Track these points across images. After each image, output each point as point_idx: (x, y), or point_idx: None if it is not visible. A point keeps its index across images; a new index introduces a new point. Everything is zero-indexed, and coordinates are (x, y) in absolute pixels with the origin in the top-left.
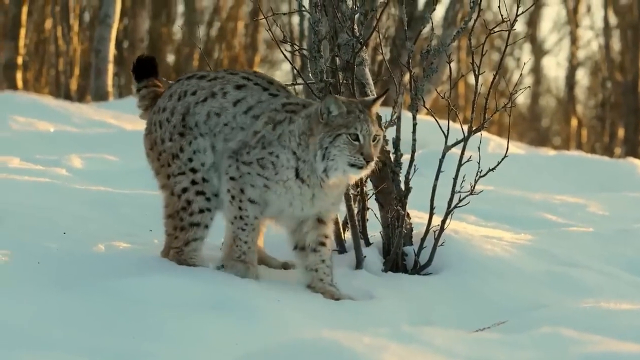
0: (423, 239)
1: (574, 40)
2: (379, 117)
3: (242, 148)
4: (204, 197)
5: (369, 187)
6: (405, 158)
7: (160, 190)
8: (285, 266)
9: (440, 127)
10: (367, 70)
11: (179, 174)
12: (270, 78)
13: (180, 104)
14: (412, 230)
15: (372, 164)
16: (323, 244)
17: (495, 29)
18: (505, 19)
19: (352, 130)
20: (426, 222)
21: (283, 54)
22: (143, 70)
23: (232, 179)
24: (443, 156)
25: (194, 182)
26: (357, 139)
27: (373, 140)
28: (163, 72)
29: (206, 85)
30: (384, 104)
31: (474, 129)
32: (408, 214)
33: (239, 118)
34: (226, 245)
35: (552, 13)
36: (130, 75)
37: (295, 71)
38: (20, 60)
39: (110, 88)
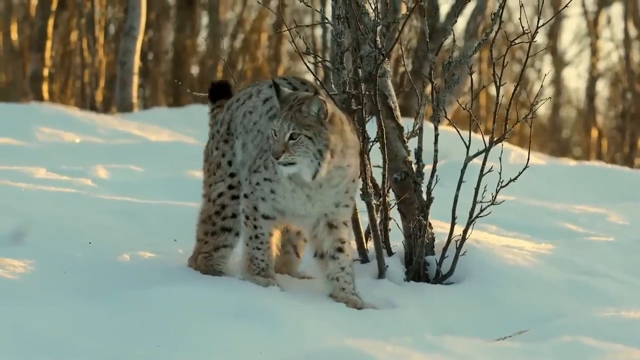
0: (445, 249)
1: (594, 52)
2: (400, 128)
3: (257, 156)
4: (238, 202)
5: (391, 197)
6: (427, 168)
7: (201, 199)
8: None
9: (461, 137)
10: (389, 82)
11: (219, 181)
12: (304, 80)
13: (228, 112)
14: (434, 240)
15: (284, 161)
16: (340, 250)
17: (517, 41)
18: (527, 31)
19: (271, 127)
20: (448, 231)
21: (306, 65)
22: (217, 93)
23: (245, 196)
24: (465, 167)
25: (230, 187)
26: (274, 135)
27: (292, 138)
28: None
29: (248, 89)
30: (406, 115)
31: (495, 139)
32: (430, 224)
33: (263, 119)
34: (243, 260)
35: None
36: (155, 87)
37: (318, 82)
38: (46, 72)
39: (135, 99)
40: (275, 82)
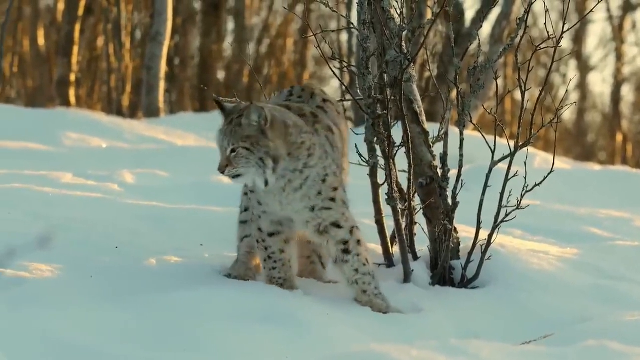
0: (470, 253)
1: (619, 57)
2: (426, 132)
3: None
4: None
5: (416, 201)
6: (453, 173)
7: None
8: None
9: (487, 142)
10: (414, 87)
11: None
12: (304, 87)
13: None
14: (459, 244)
15: (229, 174)
16: (346, 252)
17: (542, 46)
18: (552, 36)
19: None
20: (473, 236)
21: (332, 70)
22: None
23: (251, 220)
24: (490, 171)
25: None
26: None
27: (233, 151)
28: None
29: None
30: (432, 119)
31: (520, 144)
32: (455, 229)
33: None
34: (265, 282)
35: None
36: (181, 92)
37: (344, 87)
38: (73, 77)
39: (161, 104)
40: (216, 99)
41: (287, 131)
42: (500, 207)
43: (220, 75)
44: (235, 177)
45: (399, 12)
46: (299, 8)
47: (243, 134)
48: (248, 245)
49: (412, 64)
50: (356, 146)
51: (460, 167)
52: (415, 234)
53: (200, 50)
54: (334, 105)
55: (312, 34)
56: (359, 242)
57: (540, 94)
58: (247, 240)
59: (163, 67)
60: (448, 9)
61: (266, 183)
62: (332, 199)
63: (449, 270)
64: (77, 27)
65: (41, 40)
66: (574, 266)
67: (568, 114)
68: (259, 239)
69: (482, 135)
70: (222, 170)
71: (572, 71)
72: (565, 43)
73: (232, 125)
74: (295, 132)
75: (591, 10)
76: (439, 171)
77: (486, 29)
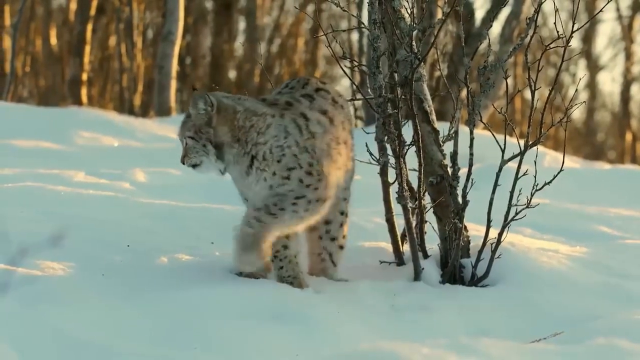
0: (480, 252)
1: (628, 56)
2: (436, 131)
3: None
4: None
5: (427, 200)
6: (463, 172)
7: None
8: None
9: (497, 141)
10: (425, 86)
11: None
12: (300, 78)
13: None
14: (469, 242)
15: (188, 164)
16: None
17: (551, 45)
18: (561, 36)
19: None
20: (483, 234)
21: (342, 69)
22: None
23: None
24: (500, 170)
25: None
26: None
27: (186, 143)
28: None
29: None
30: (442, 118)
31: (530, 143)
32: (465, 227)
33: None
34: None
35: (607, 29)
36: (192, 91)
37: (354, 87)
38: (85, 76)
39: (173, 103)
40: (195, 88)
41: (235, 116)
42: (510, 205)
43: (232, 74)
44: (193, 166)
45: (409, 11)
46: (310, 8)
47: (190, 124)
48: None
49: (422, 63)
50: (367, 145)
51: (471, 165)
52: (425, 233)
53: (212, 49)
54: (331, 94)
55: (323, 34)
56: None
57: (550, 93)
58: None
59: (174, 67)
60: (458, 8)
61: (222, 171)
62: (287, 178)
63: (459, 268)
64: (89, 27)
65: (53, 40)
66: (584, 264)
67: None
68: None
69: (492, 134)
70: (182, 161)
71: (581, 70)
72: (575, 42)
73: (185, 117)
74: (243, 117)
75: (601, 10)
76: (449, 170)
77: (496, 28)
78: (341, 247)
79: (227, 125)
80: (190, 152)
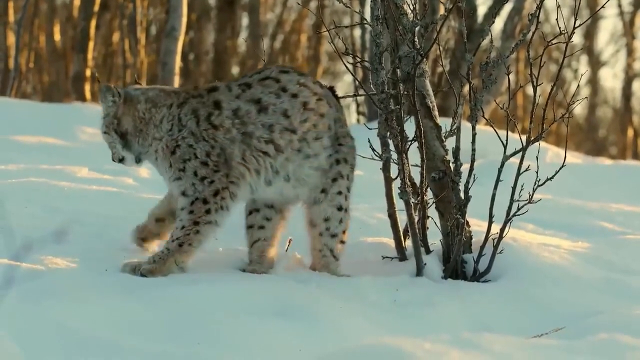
0: (482, 247)
1: (630, 52)
2: (438, 127)
3: None
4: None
5: (429, 196)
6: (465, 167)
7: None
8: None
9: (499, 137)
10: (427, 82)
11: None
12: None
13: None
14: (471, 238)
15: (114, 159)
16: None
17: (553, 41)
18: (563, 32)
19: None
20: (485, 230)
21: (345, 65)
22: None
23: None
24: (502, 166)
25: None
26: None
27: (107, 142)
28: None
29: None
30: (444, 114)
31: (532, 139)
32: (467, 222)
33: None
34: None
35: (609, 25)
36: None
37: (357, 82)
38: (88, 72)
39: None
40: (96, 77)
41: (137, 106)
42: (512, 201)
43: (235, 70)
44: (120, 161)
45: (411, 7)
46: (313, 4)
47: (103, 122)
48: (259, 249)
49: (424, 59)
50: (369, 141)
51: (473, 161)
52: (427, 228)
53: (215, 45)
54: (282, 83)
55: (325, 30)
56: (191, 212)
57: (551, 89)
58: (257, 245)
59: (178, 63)
60: (460, 4)
61: (136, 160)
62: (182, 170)
63: (461, 263)
64: (93, 23)
65: (57, 36)
66: (585, 260)
67: (579, 109)
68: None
69: (494, 130)
70: (112, 159)
71: (583, 66)
72: (577, 38)
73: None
74: (143, 108)
75: (602, 6)
76: (452, 165)
77: (498, 24)
78: (342, 242)
79: (130, 115)
80: (111, 148)
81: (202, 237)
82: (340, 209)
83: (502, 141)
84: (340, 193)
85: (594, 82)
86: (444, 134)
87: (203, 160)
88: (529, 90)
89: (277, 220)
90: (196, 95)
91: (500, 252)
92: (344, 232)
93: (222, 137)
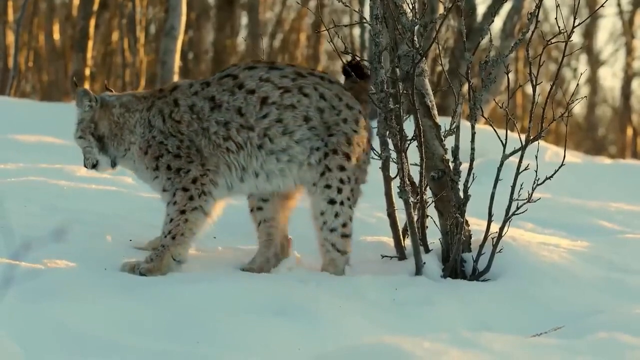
0: (481, 246)
1: (629, 51)
2: (437, 126)
3: None
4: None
5: (428, 195)
6: (464, 167)
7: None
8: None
9: (498, 136)
10: (426, 81)
11: None
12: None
13: None
14: (470, 237)
15: (89, 167)
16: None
17: (553, 40)
18: (562, 31)
19: None
20: (484, 229)
21: (344, 64)
22: (351, 71)
23: None
24: (501, 165)
25: None
26: None
27: (81, 147)
28: None
29: None
30: (444, 113)
31: (531, 138)
32: (467, 221)
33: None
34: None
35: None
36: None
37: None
38: (87, 71)
39: None
40: (75, 81)
41: (112, 111)
42: (511, 200)
43: None
44: (94, 166)
45: (411, 6)
46: (312, 3)
47: (77, 127)
48: (265, 231)
49: (424, 58)
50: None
51: (472, 160)
52: (427, 227)
53: (214, 44)
54: (240, 79)
55: (325, 29)
56: (175, 203)
57: (551, 88)
58: (263, 226)
59: (177, 62)
60: (460, 3)
61: (111, 164)
62: (156, 168)
63: (460, 262)
64: (92, 22)
65: (56, 35)
66: (585, 259)
67: (578, 108)
68: None
69: (494, 129)
70: (84, 165)
71: (582, 65)
72: (576, 38)
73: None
74: (118, 112)
75: (602, 5)
76: (451, 164)
77: (497, 23)
78: (346, 236)
79: (106, 119)
80: (86, 153)
81: (192, 225)
82: (332, 202)
83: (501, 140)
84: (329, 186)
85: (593, 81)
86: (443, 133)
87: (175, 153)
88: (528, 89)
89: (277, 202)
90: (161, 96)
91: (499, 251)
92: (343, 225)
93: (186, 130)
